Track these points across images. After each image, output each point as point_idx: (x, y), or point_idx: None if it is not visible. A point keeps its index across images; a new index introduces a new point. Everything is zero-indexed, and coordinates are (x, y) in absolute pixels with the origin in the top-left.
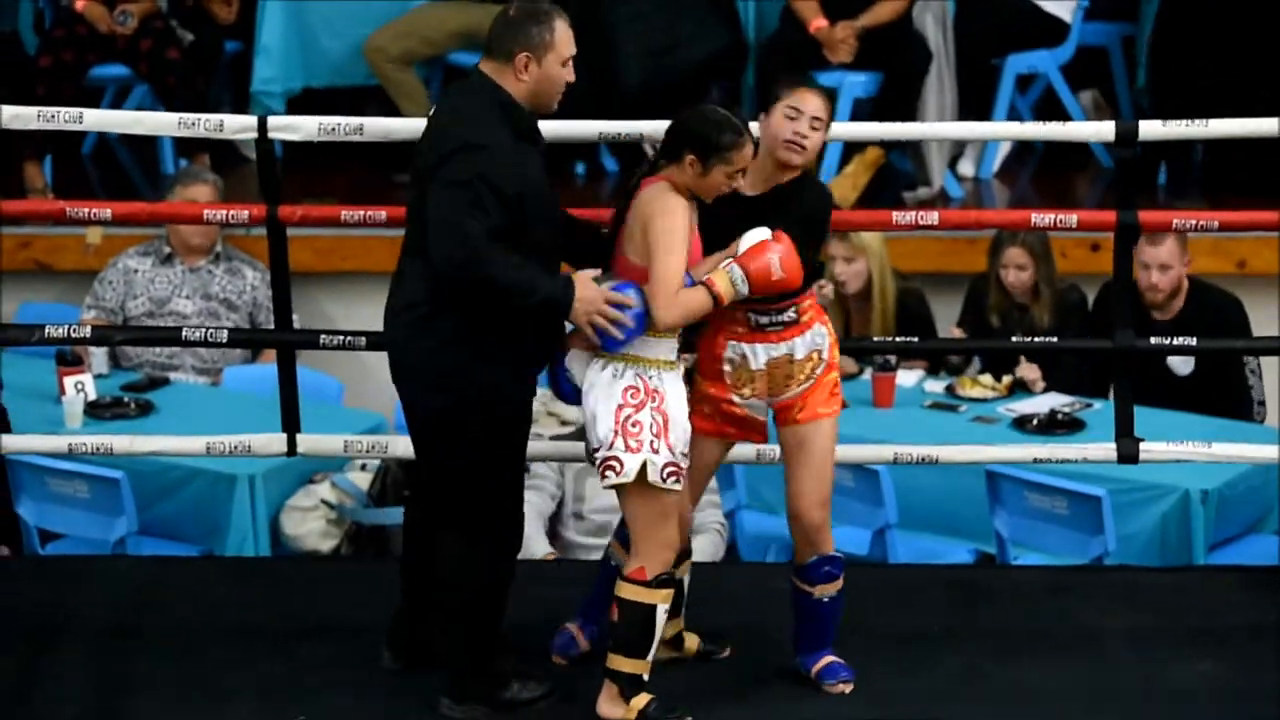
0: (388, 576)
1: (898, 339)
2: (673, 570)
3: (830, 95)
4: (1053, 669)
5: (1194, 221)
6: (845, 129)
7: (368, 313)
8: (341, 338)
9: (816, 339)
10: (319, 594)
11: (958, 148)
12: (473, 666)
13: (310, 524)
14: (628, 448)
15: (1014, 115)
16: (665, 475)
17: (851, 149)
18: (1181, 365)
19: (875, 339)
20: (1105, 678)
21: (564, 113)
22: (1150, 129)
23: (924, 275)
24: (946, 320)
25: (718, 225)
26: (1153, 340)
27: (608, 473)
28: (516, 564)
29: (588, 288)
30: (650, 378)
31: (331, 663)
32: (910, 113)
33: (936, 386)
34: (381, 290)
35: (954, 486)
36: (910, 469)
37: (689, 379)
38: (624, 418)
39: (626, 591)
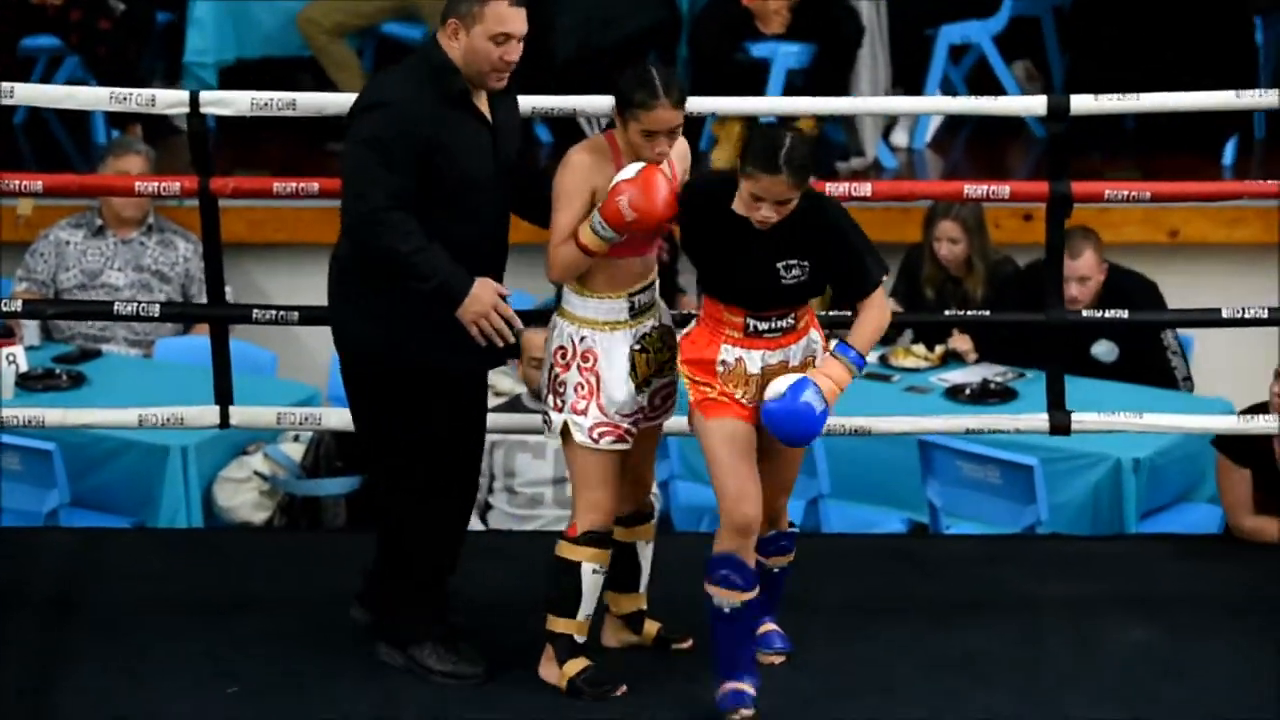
0: (320, 547)
1: (831, 312)
2: (605, 530)
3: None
4: (987, 637)
5: (1126, 192)
6: (780, 102)
7: (301, 285)
8: (274, 312)
9: (811, 344)
10: (252, 565)
11: (891, 118)
12: (401, 616)
13: (243, 495)
14: (555, 406)
15: (947, 86)
16: (596, 436)
17: (785, 119)
18: (1106, 354)
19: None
20: (1039, 645)
21: (515, 88)
22: (1082, 103)
23: None
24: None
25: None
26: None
27: (544, 427)
28: (461, 524)
29: (485, 289)
30: (582, 339)
31: (264, 634)
32: (843, 84)
33: (870, 357)
34: (314, 262)
35: (887, 456)
36: (843, 439)
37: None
38: (553, 376)
39: (557, 548)
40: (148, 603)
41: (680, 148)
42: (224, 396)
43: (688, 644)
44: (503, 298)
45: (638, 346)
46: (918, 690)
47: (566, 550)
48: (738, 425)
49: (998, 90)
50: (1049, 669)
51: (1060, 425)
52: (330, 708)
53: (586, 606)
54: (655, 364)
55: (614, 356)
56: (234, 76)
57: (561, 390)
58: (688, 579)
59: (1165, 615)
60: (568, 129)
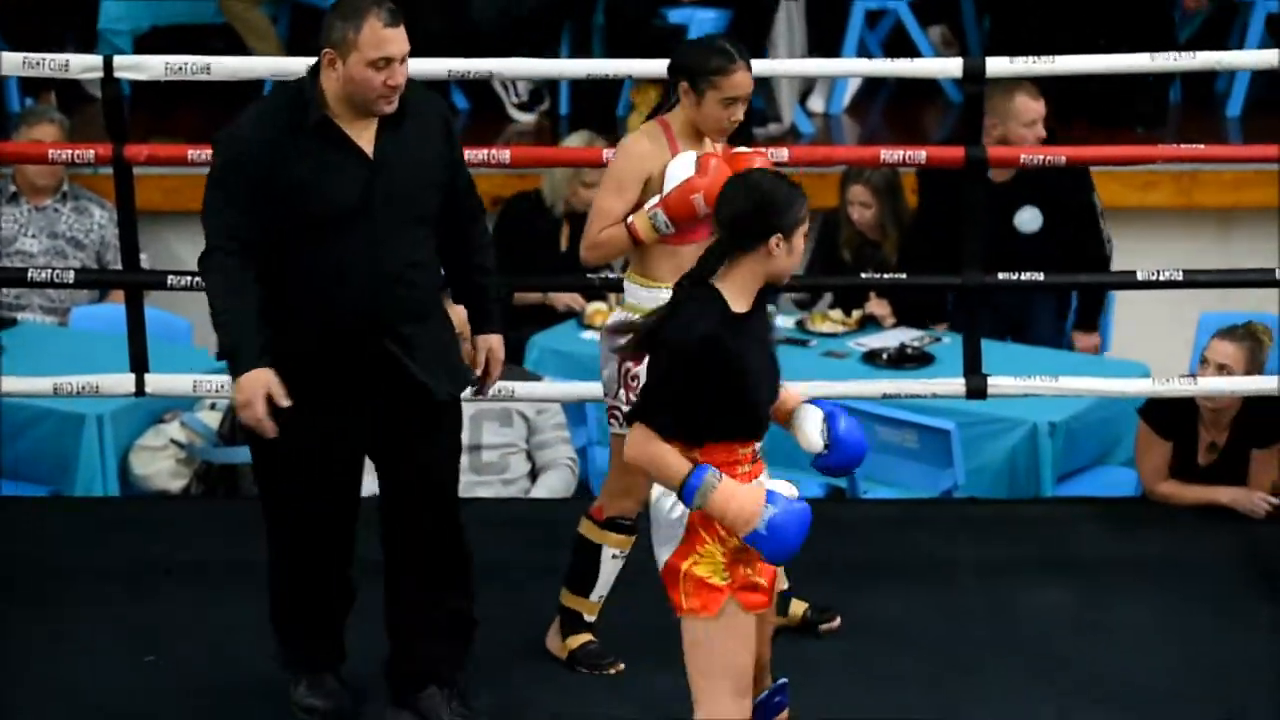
0: (238, 515)
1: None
2: (632, 519)
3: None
4: (904, 601)
5: (1041, 157)
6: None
7: None
8: (189, 278)
9: None
10: (169, 533)
11: (808, 84)
12: (280, 646)
13: (159, 463)
14: (627, 401)
15: (863, 51)
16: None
17: None
18: (1029, 223)
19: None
20: (957, 608)
21: (415, 50)
22: (998, 66)
23: None
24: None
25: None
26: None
27: (611, 420)
28: (332, 565)
29: (255, 381)
30: None
31: (183, 601)
32: (760, 49)
33: (787, 322)
34: None
35: None
36: None
37: None
38: (624, 370)
39: (581, 527)
40: (65, 571)
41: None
42: (140, 364)
43: (835, 624)
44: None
45: None
46: (834, 653)
47: (589, 531)
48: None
49: (914, 55)
50: (965, 632)
51: (977, 389)
52: (249, 673)
53: (601, 588)
54: None
55: None
56: (149, 43)
57: (634, 384)
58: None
59: (1081, 577)
60: (484, 96)
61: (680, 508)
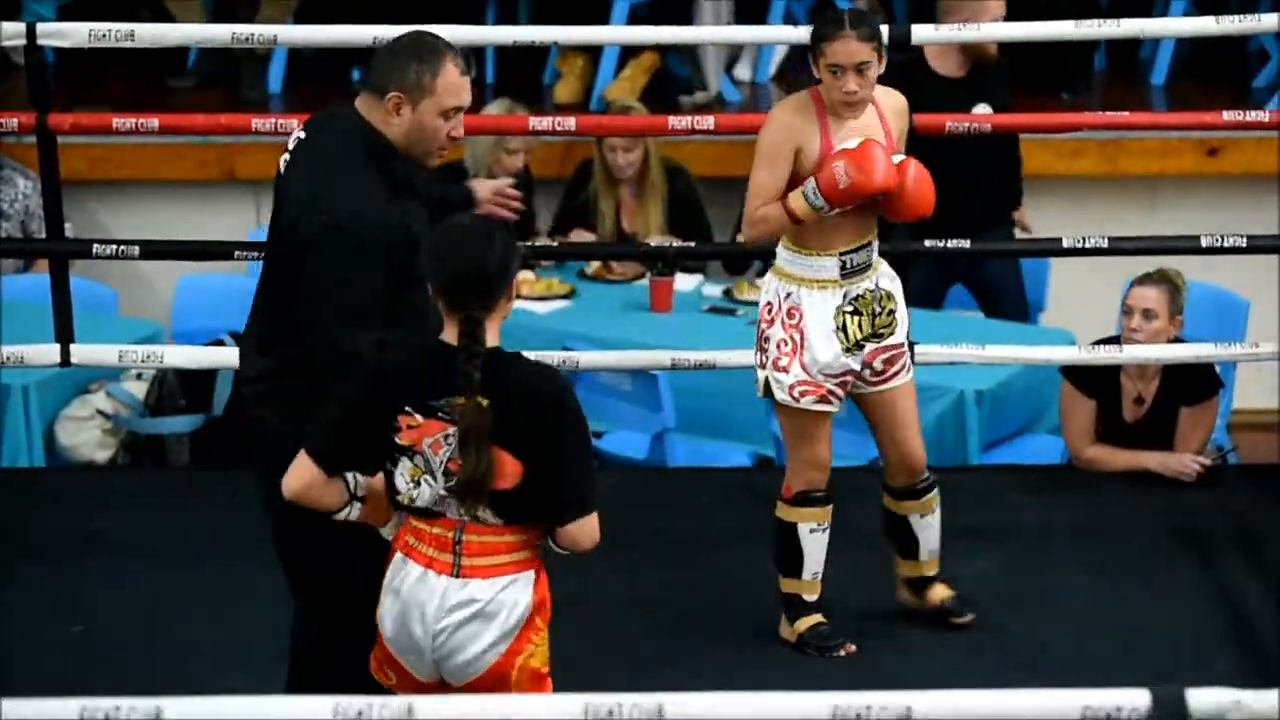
0: (165, 485)
1: (675, 244)
2: (822, 489)
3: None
4: (832, 568)
5: (968, 125)
6: (621, 33)
7: (142, 222)
8: (115, 246)
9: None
10: (96, 504)
11: (734, 51)
12: None
13: (85, 434)
14: (760, 362)
15: (790, 19)
16: (797, 394)
17: (629, 52)
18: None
19: (654, 243)
20: (882, 577)
21: (338, 17)
22: (922, 33)
23: (702, 180)
24: (724, 225)
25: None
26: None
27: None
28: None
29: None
30: (789, 295)
31: (108, 573)
32: (686, 16)
33: (714, 290)
34: (155, 198)
35: (732, 390)
36: (688, 373)
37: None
38: (759, 332)
39: (776, 509)
40: None
41: (896, 102)
42: (65, 334)
43: (968, 619)
44: None
45: (850, 308)
46: (762, 622)
47: (783, 512)
48: None
49: None
50: (892, 600)
51: None
52: (179, 641)
53: (811, 564)
54: (871, 327)
55: (821, 315)
56: (73, 11)
57: (766, 346)
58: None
59: (1008, 545)
60: None
61: (525, 601)
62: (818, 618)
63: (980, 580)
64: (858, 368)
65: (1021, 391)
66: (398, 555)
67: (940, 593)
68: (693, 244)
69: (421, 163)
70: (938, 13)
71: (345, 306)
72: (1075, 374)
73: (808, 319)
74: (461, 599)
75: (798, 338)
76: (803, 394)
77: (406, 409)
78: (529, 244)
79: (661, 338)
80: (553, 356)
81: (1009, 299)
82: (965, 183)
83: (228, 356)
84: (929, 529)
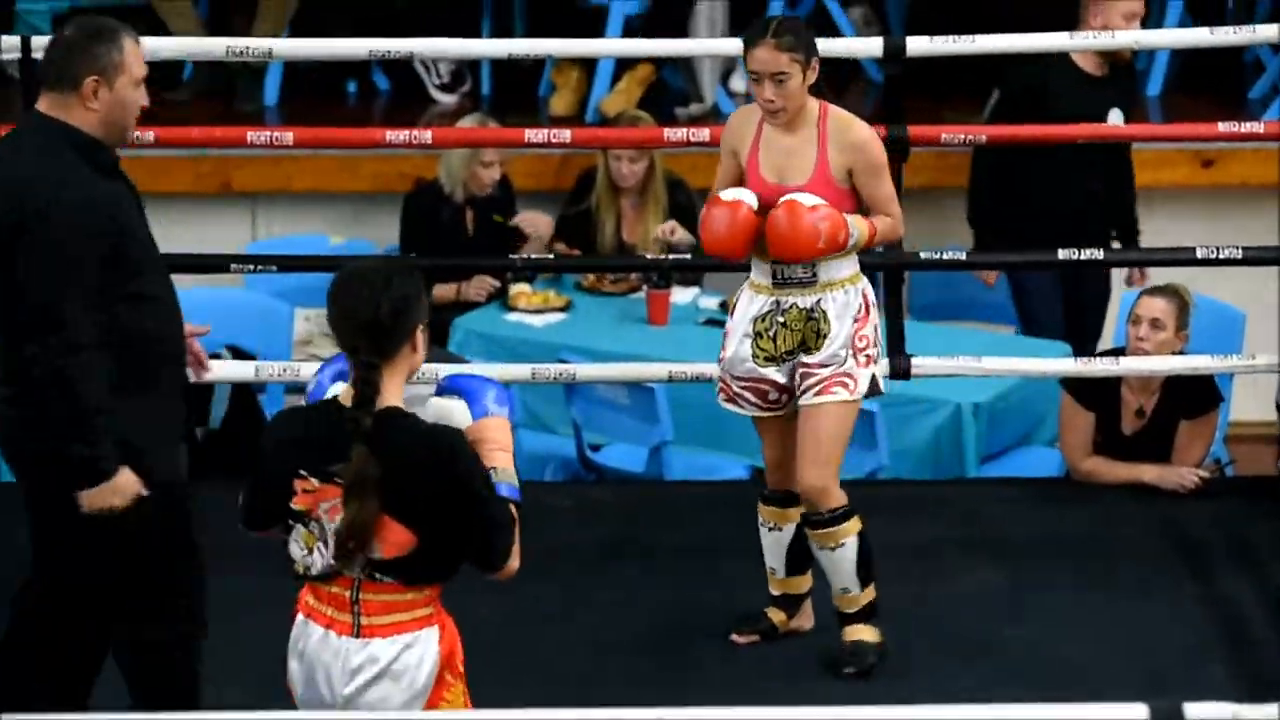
0: None
1: (671, 256)
2: (766, 489)
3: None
4: (827, 581)
5: (963, 135)
6: (616, 45)
7: None
8: None
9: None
10: None
11: (729, 63)
12: None
13: None
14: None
15: None
16: (718, 389)
17: (624, 65)
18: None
19: (650, 256)
20: (881, 590)
21: (333, 30)
22: (918, 45)
23: (698, 192)
24: None
25: None
26: None
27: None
28: None
29: (126, 479)
30: (738, 295)
31: None
32: (681, 29)
33: (711, 303)
34: (151, 210)
35: None
36: (686, 386)
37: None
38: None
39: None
40: None
41: (854, 136)
42: None
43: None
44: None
45: (781, 319)
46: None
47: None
48: None
49: (834, 35)
50: (889, 613)
51: (900, 369)
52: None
53: (767, 558)
54: (796, 342)
55: (743, 315)
56: (67, 24)
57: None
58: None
59: (1006, 559)
60: (405, 77)
61: (431, 659)
62: (768, 610)
63: (977, 592)
64: (782, 380)
65: (1019, 404)
66: (300, 617)
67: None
68: (688, 255)
69: (119, 142)
70: (1080, 11)
71: (58, 288)
72: (1075, 386)
73: (734, 317)
74: (364, 659)
75: (725, 335)
76: (720, 389)
77: (301, 473)
78: (522, 256)
79: (658, 350)
80: (549, 369)
81: (1089, 319)
82: (1082, 193)
83: (225, 370)
84: (829, 562)
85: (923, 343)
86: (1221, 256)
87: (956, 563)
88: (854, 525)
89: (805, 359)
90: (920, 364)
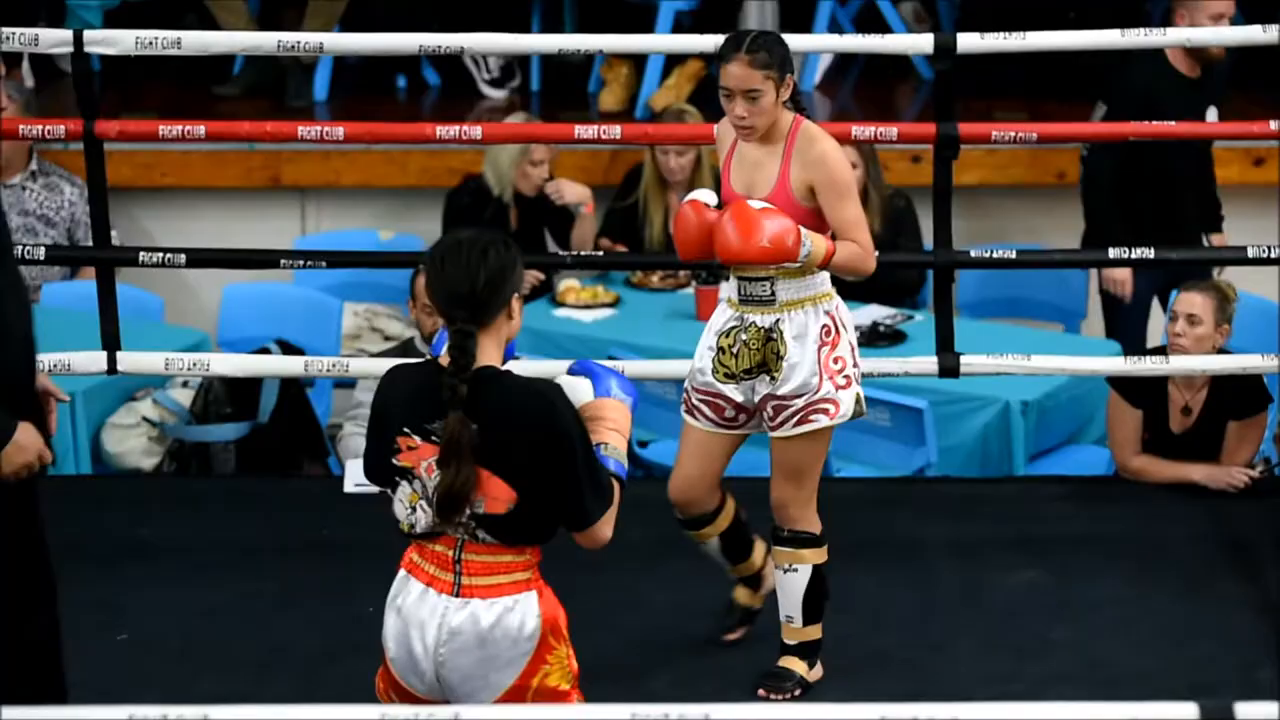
0: (211, 493)
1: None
2: (679, 510)
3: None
4: (877, 580)
5: (1013, 133)
6: (668, 41)
7: (188, 228)
8: (161, 254)
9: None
10: (142, 511)
11: None
12: None
13: (132, 441)
14: (837, 386)
15: (834, 28)
16: (683, 399)
17: (674, 60)
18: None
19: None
20: (930, 587)
21: (384, 25)
22: (968, 42)
23: None
24: None
25: None
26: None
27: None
28: None
29: (28, 435)
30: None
31: (153, 581)
32: (731, 24)
33: None
34: (202, 205)
35: None
36: None
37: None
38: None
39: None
40: None
41: (817, 153)
42: (111, 342)
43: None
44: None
45: (744, 336)
46: None
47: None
48: None
49: (885, 31)
50: (938, 611)
51: (949, 367)
52: (222, 649)
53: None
54: (752, 363)
55: (713, 329)
56: (119, 17)
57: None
58: None
59: (1053, 557)
60: (455, 72)
61: (533, 625)
62: (734, 594)
63: (1026, 591)
64: (739, 399)
65: (1067, 402)
66: (401, 572)
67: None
68: None
69: None
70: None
71: None
72: (1122, 384)
73: (705, 329)
74: (463, 619)
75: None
76: (682, 400)
77: (405, 430)
78: (573, 254)
79: None
80: None
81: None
82: (1176, 190)
83: (273, 364)
84: (781, 582)
85: (972, 341)
86: (1273, 255)
87: (1005, 561)
88: (814, 555)
89: (775, 391)
90: (969, 362)
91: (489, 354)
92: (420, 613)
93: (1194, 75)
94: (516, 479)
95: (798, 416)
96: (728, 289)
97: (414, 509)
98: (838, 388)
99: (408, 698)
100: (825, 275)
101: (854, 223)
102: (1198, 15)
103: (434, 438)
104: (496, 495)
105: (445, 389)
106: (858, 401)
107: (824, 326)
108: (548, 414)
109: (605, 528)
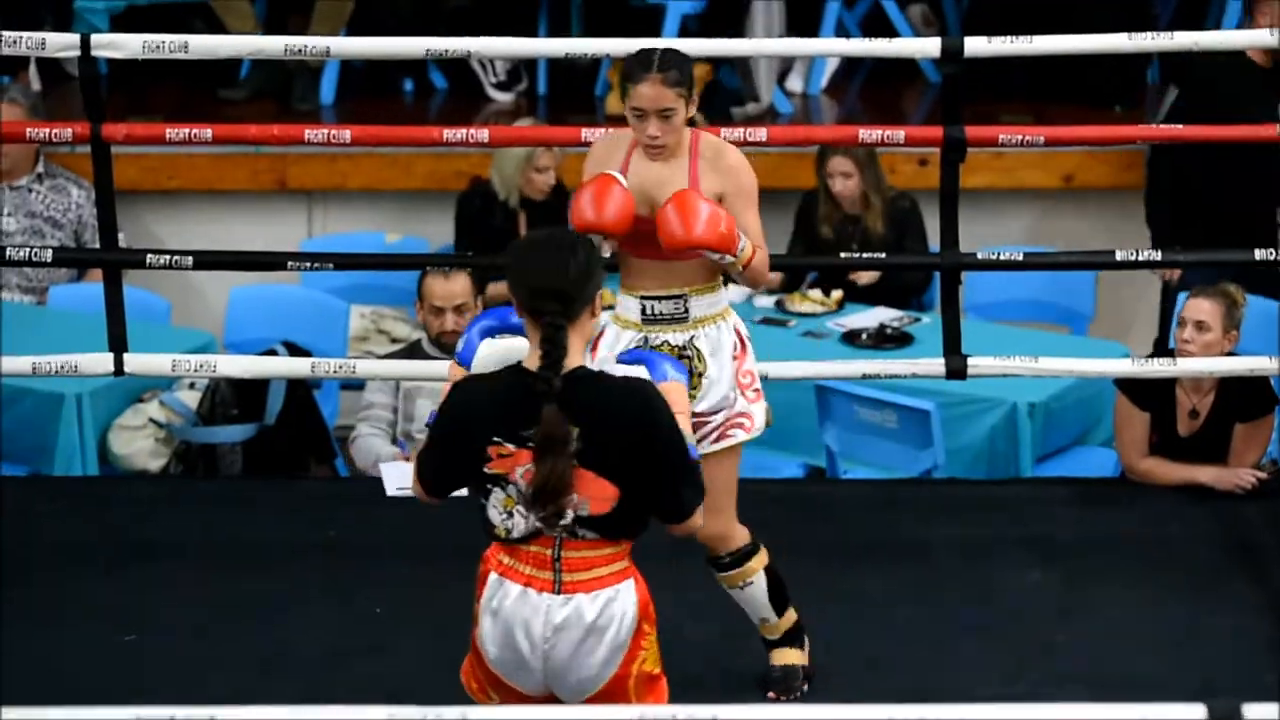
0: (217, 494)
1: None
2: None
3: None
4: (884, 582)
5: (1020, 136)
6: (672, 45)
7: (194, 231)
8: (168, 257)
9: None
10: (149, 513)
11: (786, 63)
12: None
13: (139, 443)
14: (749, 400)
15: (841, 31)
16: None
17: None
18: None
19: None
20: (936, 588)
21: (390, 29)
22: (975, 45)
23: None
24: (777, 236)
25: None
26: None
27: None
28: None
29: None
30: (604, 327)
31: (160, 582)
32: (738, 29)
33: (766, 301)
34: (208, 208)
35: (784, 401)
36: None
37: None
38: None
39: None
40: (44, 551)
41: (727, 162)
42: (118, 344)
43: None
44: None
45: None
46: (814, 634)
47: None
48: None
49: (892, 35)
50: (945, 613)
51: (956, 369)
52: (229, 650)
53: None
54: None
55: (605, 352)
56: (125, 21)
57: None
58: None
59: (1060, 558)
60: (462, 76)
61: (631, 611)
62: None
63: (1033, 593)
64: None
65: (1074, 404)
66: (493, 576)
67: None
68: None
69: None
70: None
71: None
72: (1129, 386)
73: (595, 356)
74: (568, 614)
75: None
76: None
77: (495, 439)
78: None
79: None
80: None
81: None
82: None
83: (281, 366)
84: (742, 599)
85: (979, 343)
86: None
87: (1012, 562)
88: (759, 562)
89: (694, 409)
90: (976, 364)
91: (575, 351)
92: (522, 612)
93: (1267, 66)
94: (618, 477)
95: (716, 433)
96: (625, 309)
97: (510, 514)
98: (750, 401)
99: (513, 696)
100: (725, 291)
101: (759, 231)
102: (1277, 15)
103: (529, 443)
104: (600, 495)
105: (540, 383)
106: (767, 414)
107: (735, 340)
108: (646, 411)
109: (699, 516)
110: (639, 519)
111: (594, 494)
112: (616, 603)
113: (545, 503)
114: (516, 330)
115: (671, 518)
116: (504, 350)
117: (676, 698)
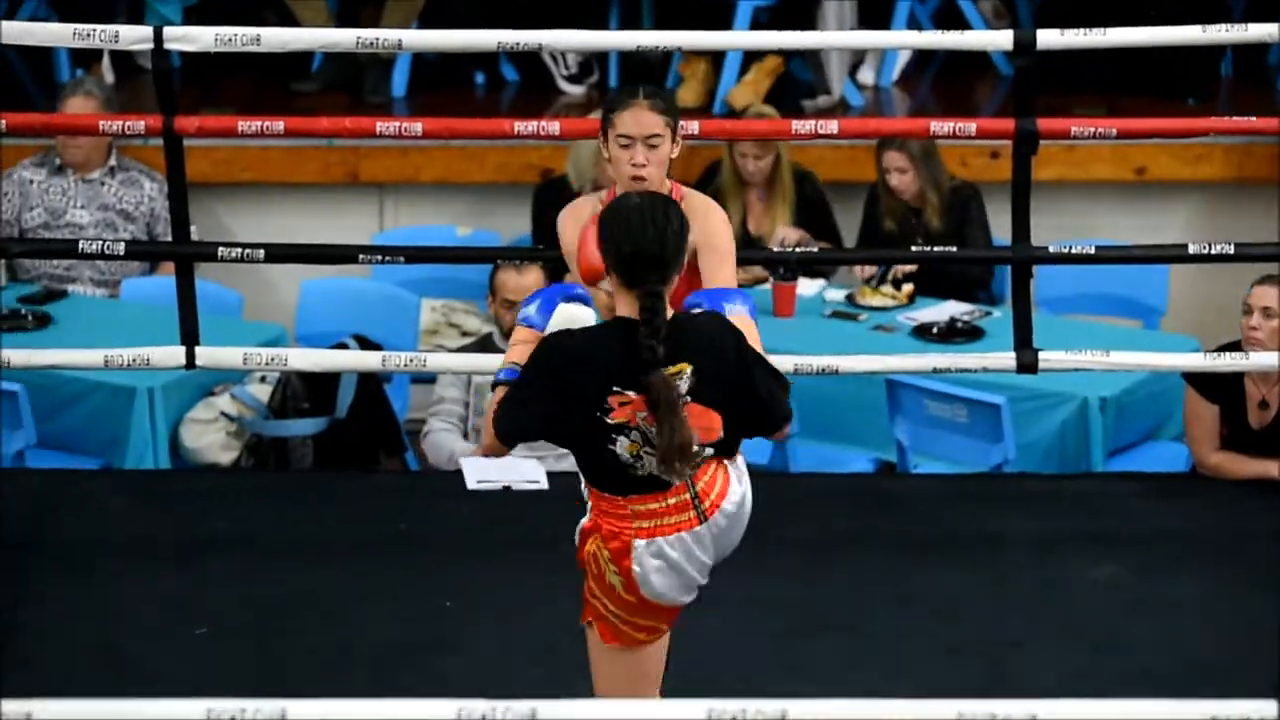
0: (288, 487)
1: (797, 249)
2: None
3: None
4: (955, 576)
5: (1093, 129)
6: (745, 38)
7: (266, 224)
8: (240, 249)
9: None
10: (220, 506)
11: (857, 56)
12: None
13: (210, 436)
14: None
15: (913, 24)
16: None
17: (751, 57)
18: None
19: (776, 249)
20: (1006, 584)
21: (462, 22)
22: (1048, 38)
23: (825, 184)
24: (848, 229)
25: None
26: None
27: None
28: None
29: None
30: None
31: (232, 575)
32: (809, 22)
33: (837, 295)
34: (280, 200)
35: (855, 395)
36: (811, 378)
37: None
38: None
39: None
40: (116, 544)
41: (709, 223)
42: (190, 337)
43: None
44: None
45: None
46: (885, 628)
47: None
48: None
49: (964, 28)
50: (1016, 607)
51: (1027, 364)
52: (298, 645)
53: None
54: None
55: None
56: (199, 13)
57: None
58: None
59: (1131, 552)
60: (533, 68)
61: (750, 496)
62: None
63: (1105, 587)
64: None
65: (1146, 398)
66: (639, 543)
67: None
68: (815, 249)
69: None
70: None
71: None
72: (1198, 379)
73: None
74: (721, 527)
75: None
76: None
77: (615, 389)
78: None
79: (784, 342)
80: None
81: None
82: None
83: (352, 359)
84: None
85: (1050, 337)
86: None
87: (1082, 557)
88: None
89: None
90: (1048, 358)
91: (668, 306)
92: (690, 549)
93: None
94: (724, 402)
95: None
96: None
97: (639, 456)
98: None
99: (667, 613)
100: None
101: (729, 281)
102: None
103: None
104: (711, 425)
105: (645, 351)
106: None
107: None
108: (736, 339)
109: (791, 421)
110: (742, 435)
111: (707, 424)
112: (740, 485)
113: (675, 460)
114: (582, 300)
115: (769, 430)
116: (568, 318)
117: (777, 692)
